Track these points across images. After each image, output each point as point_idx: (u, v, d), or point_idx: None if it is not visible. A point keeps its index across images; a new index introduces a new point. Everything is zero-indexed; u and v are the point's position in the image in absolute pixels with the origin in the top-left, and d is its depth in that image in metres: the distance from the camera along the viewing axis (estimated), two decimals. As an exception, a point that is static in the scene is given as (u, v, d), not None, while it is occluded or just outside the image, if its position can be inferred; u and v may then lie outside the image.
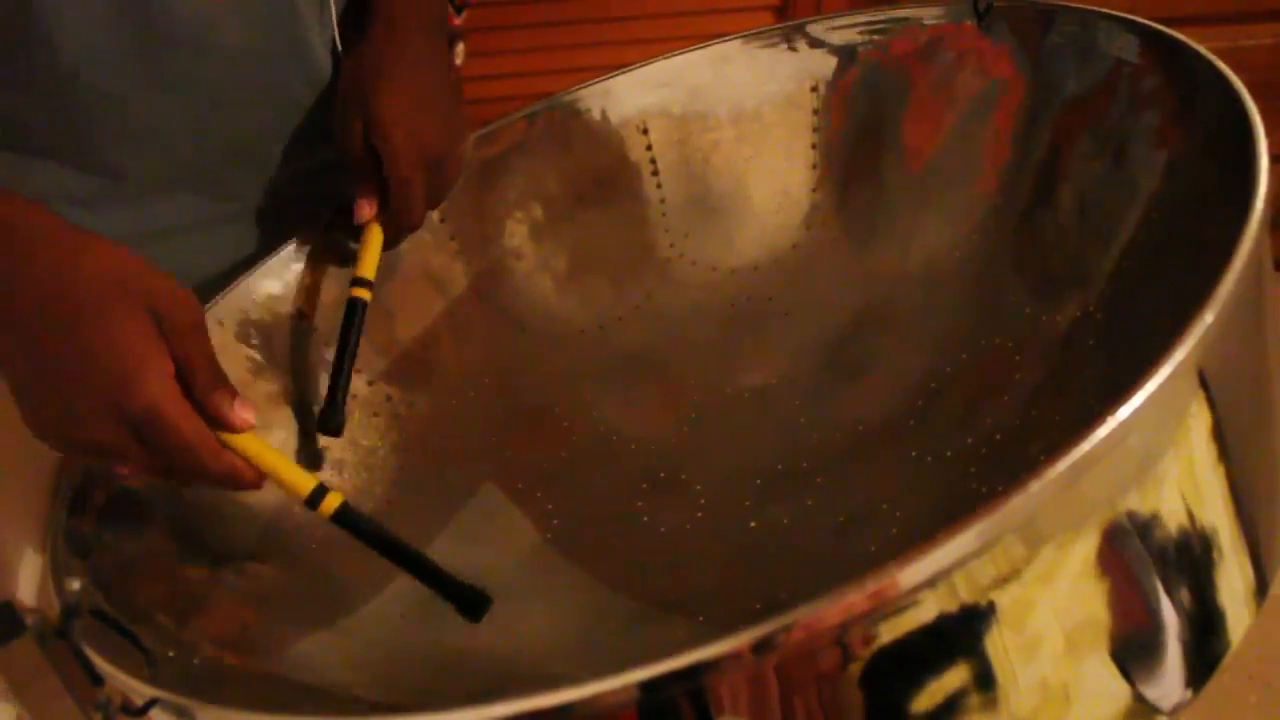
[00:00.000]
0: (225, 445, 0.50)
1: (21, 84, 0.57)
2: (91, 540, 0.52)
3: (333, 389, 0.62)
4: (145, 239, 0.62)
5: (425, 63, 0.66)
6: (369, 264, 0.65)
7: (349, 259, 0.68)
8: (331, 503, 0.51)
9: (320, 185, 0.71)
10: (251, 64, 0.63)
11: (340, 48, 0.69)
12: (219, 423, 0.49)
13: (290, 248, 0.68)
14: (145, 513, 0.56)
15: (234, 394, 0.50)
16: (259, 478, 0.51)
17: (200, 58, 0.60)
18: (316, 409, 0.65)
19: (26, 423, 0.48)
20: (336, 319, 0.68)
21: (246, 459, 0.50)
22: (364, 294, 0.64)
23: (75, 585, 0.47)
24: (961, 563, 0.34)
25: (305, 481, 0.51)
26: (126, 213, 0.63)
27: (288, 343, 0.67)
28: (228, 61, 0.62)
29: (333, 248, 0.70)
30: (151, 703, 0.40)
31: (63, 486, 0.54)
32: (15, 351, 0.47)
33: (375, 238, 0.65)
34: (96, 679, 0.43)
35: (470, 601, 0.51)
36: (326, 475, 0.65)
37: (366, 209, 0.65)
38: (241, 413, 0.49)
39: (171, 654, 0.48)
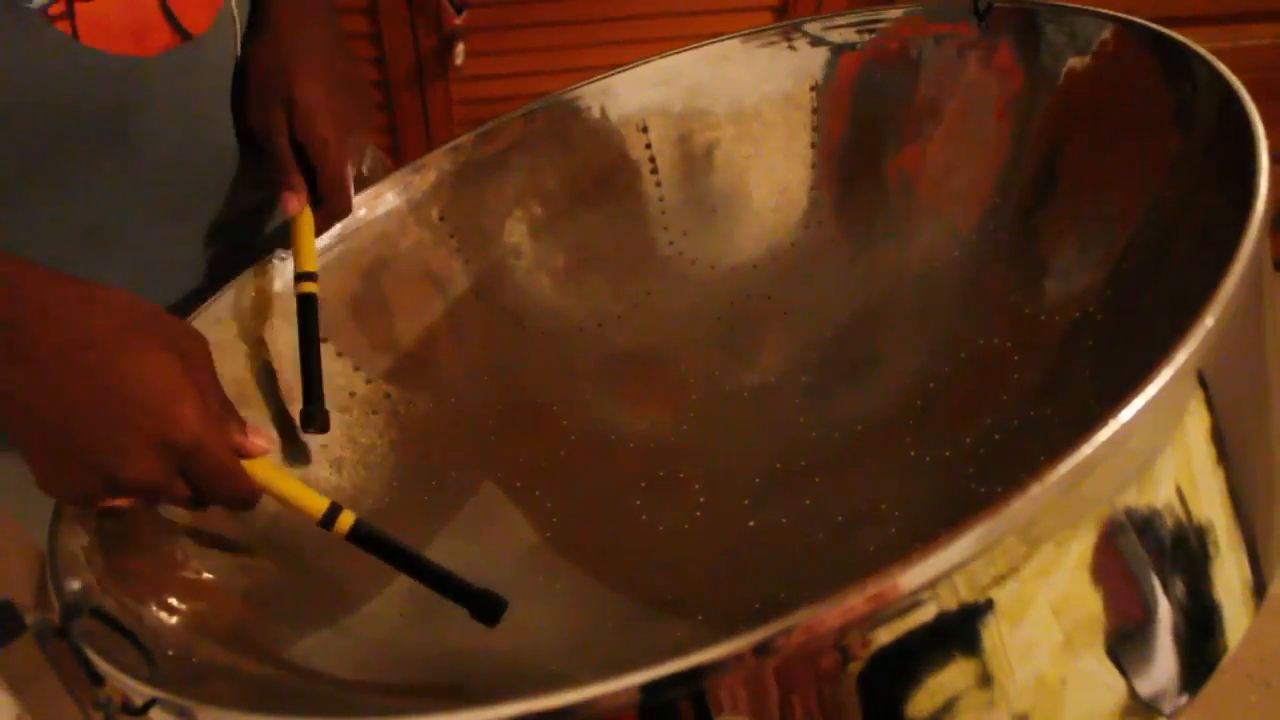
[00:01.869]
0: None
1: None
2: (92, 540, 0.52)
3: (307, 388, 0.61)
4: None
5: (333, 43, 0.65)
6: (309, 256, 0.64)
7: (358, 257, 0.69)
8: (345, 522, 0.52)
9: (248, 231, 0.71)
10: (179, 119, 0.61)
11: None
12: (239, 451, 0.51)
13: (283, 252, 0.68)
14: (145, 512, 0.56)
15: (244, 422, 0.51)
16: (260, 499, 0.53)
17: (128, 116, 0.58)
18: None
19: (45, 481, 0.47)
20: (335, 318, 0.68)
21: (261, 483, 0.52)
22: (313, 288, 0.63)
23: (75, 585, 0.47)
24: (962, 565, 0.34)
25: (318, 503, 0.52)
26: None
27: (287, 342, 0.67)
28: (155, 118, 0.60)
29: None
30: (151, 703, 0.40)
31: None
32: (36, 403, 0.45)
33: (308, 227, 0.64)
34: (96, 679, 0.43)
35: (487, 607, 0.52)
36: (325, 473, 0.65)
37: (296, 201, 0.64)
38: (256, 439, 0.51)
39: (171, 653, 0.48)
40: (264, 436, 0.51)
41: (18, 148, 0.54)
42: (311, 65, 0.63)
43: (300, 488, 0.53)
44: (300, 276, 0.63)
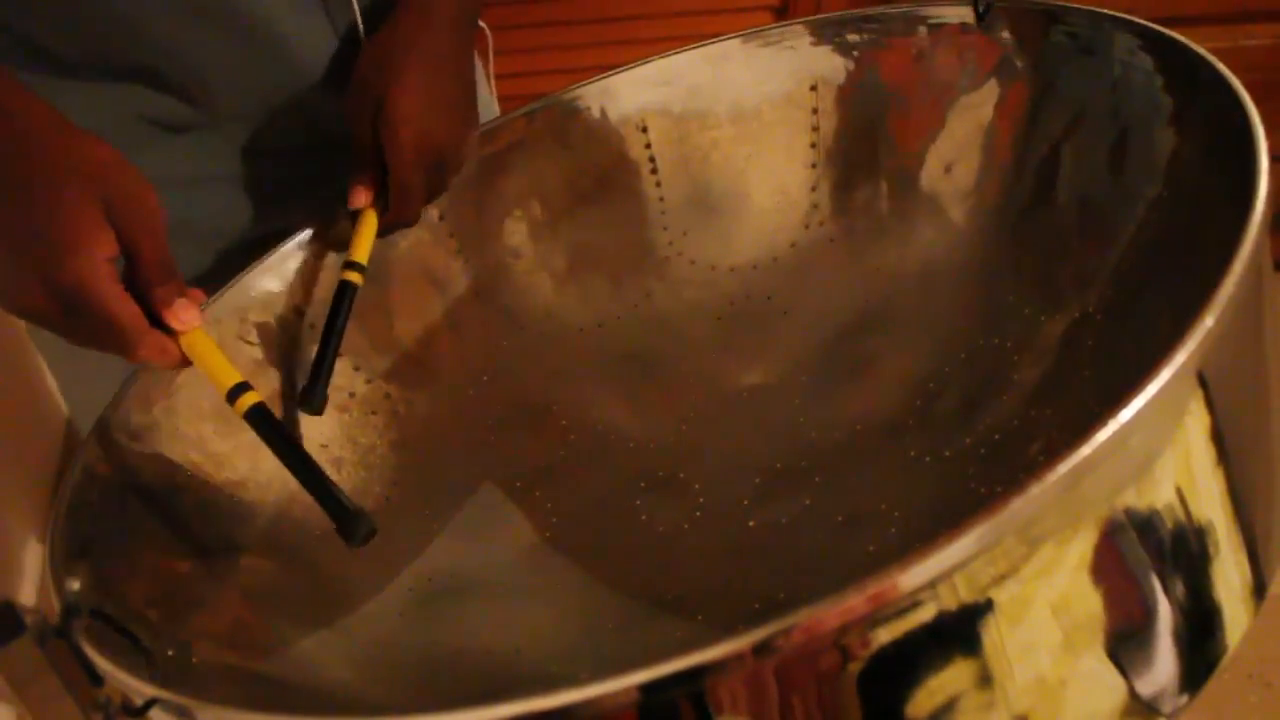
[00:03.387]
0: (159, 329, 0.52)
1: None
2: (91, 539, 0.52)
3: (317, 368, 0.62)
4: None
5: (449, 58, 0.66)
6: (362, 249, 0.65)
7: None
8: (246, 401, 0.52)
9: (330, 149, 0.71)
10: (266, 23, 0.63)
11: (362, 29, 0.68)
12: (158, 318, 0.51)
13: (289, 245, 0.68)
14: (145, 512, 0.56)
15: (180, 291, 0.52)
16: (183, 363, 0.53)
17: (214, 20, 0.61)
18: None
19: None
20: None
21: (177, 345, 0.52)
22: (355, 278, 0.64)
23: (75, 585, 0.47)
24: (961, 565, 0.34)
25: (229, 377, 0.52)
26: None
27: (286, 340, 0.67)
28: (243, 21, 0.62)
29: (332, 244, 0.69)
30: (151, 703, 0.40)
31: (63, 486, 0.54)
32: None
33: (370, 223, 0.66)
34: (96, 679, 0.43)
35: (350, 524, 0.50)
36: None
37: (363, 196, 0.65)
38: (182, 313, 0.51)
39: (171, 654, 0.48)
40: (192, 310, 0.52)
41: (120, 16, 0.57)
42: (414, 76, 0.63)
43: (218, 358, 0.53)
44: (347, 265, 0.65)
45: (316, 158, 0.72)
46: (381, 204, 0.66)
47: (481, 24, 0.74)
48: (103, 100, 0.63)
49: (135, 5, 0.59)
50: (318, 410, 0.62)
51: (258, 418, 0.53)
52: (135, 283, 0.51)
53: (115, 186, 0.50)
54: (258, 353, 0.66)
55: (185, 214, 0.67)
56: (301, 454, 0.53)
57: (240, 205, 0.72)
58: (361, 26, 0.68)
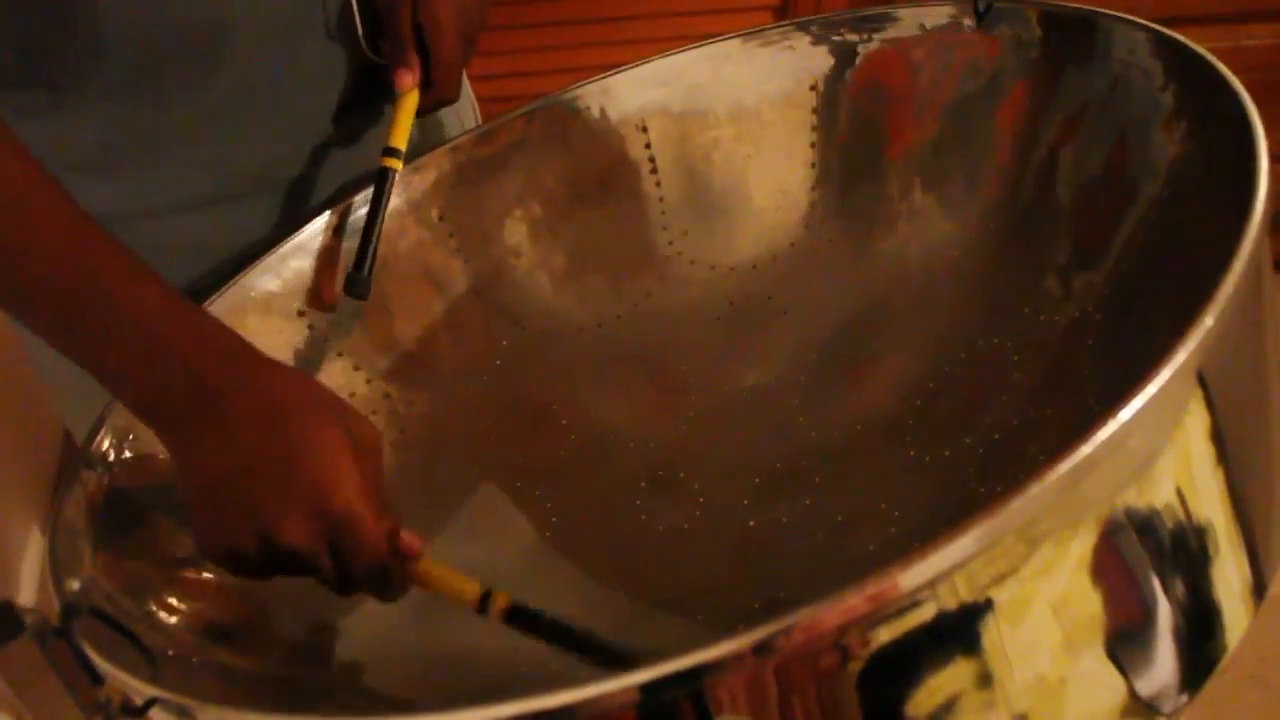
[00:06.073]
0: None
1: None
2: (91, 540, 0.52)
3: (361, 255, 0.64)
4: (153, 212, 0.64)
5: None
6: (402, 134, 0.66)
7: (347, 258, 0.68)
8: (499, 604, 0.50)
9: (335, 161, 0.72)
10: (270, 39, 0.63)
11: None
12: (394, 546, 0.50)
13: (288, 245, 0.68)
14: (145, 513, 0.56)
15: (398, 524, 0.51)
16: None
17: (223, 32, 0.61)
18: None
19: (204, 537, 0.48)
20: (334, 318, 0.68)
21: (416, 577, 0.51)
22: (394, 164, 0.66)
23: (75, 585, 0.47)
24: (961, 564, 0.34)
25: (470, 590, 0.51)
26: (129, 183, 0.64)
27: (286, 341, 0.67)
28: (247, 36, 0.62)
29: (331, 245, 0.69)
30: (151, 702, 0.40)
31: (63, 487, 0.54)
32: (215, 459, 0.48)
33: (409, 107, 0.67)
34: (96, 679, 0.43)
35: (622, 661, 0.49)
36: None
37: (409, 78, 0.66)
38: (410, 539, 0.50)
39: (171, 653, 0.48)
40: (417, 539, 0.50)
41: (124, 57, 0.57)
42: None
43: (455, 579, 0.51)
44: (386, 151, 0.66)
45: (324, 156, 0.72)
46: (422, 88, 0.67)
47: None
48: (108, 119, 0.62)
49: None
50: (364, 295, 0.64)
51: (520, 617, 0.50)
52: None
53: (351, 417, 0.50)
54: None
55: (203, 236, 0.68)
56: (571, 631, 0.51)
57: (255, 223, 0.71)
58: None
